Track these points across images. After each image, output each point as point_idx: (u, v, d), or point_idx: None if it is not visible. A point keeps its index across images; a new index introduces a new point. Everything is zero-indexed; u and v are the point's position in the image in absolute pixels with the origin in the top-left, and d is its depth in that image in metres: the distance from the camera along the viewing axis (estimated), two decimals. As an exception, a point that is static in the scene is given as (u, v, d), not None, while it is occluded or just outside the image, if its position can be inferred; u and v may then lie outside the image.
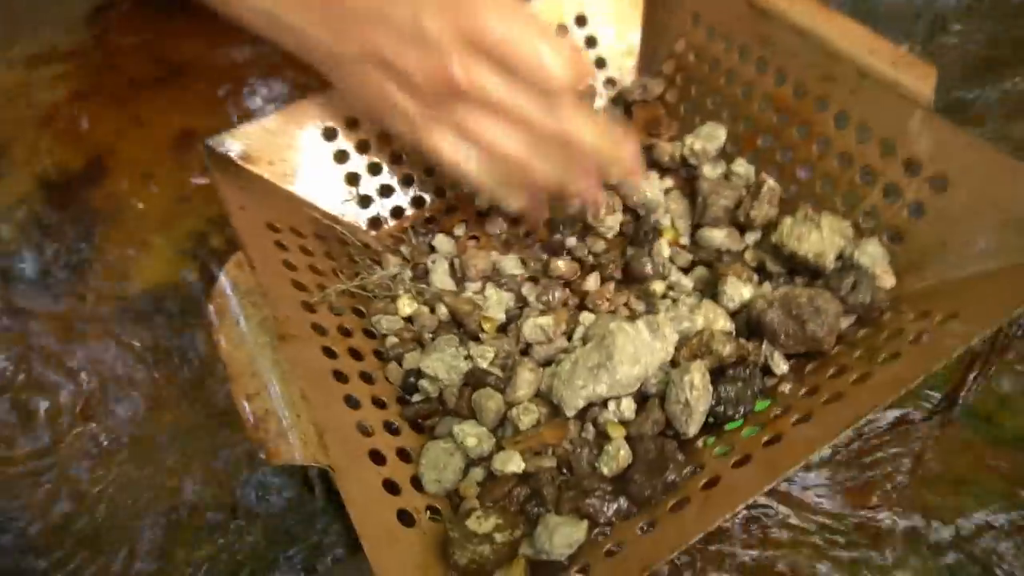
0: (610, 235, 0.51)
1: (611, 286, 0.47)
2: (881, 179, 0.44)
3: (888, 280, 0.42)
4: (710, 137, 0.52)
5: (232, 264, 0.41)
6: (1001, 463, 0.43)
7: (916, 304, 0.40)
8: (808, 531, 0.41)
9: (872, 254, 0.42)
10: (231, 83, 0.69)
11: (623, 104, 0.58)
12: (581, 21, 0.57)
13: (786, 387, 0.39)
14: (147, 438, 0.48)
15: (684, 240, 0.50)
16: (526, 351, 0.44)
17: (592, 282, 0.47)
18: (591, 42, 0.58)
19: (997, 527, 0.41)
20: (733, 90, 0.52)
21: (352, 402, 0.38)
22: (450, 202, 0.54)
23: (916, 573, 0.39)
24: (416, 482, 0.37)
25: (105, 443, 0.48)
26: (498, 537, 0.34)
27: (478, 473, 0.38)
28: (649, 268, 0.47)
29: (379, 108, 0.41)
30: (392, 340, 0.45)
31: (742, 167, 0.50)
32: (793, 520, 0.41)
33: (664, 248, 0.48)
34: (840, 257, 0.43)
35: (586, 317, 0.45)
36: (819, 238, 0.43)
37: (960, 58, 0.67)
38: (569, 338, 0.44)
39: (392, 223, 0.53)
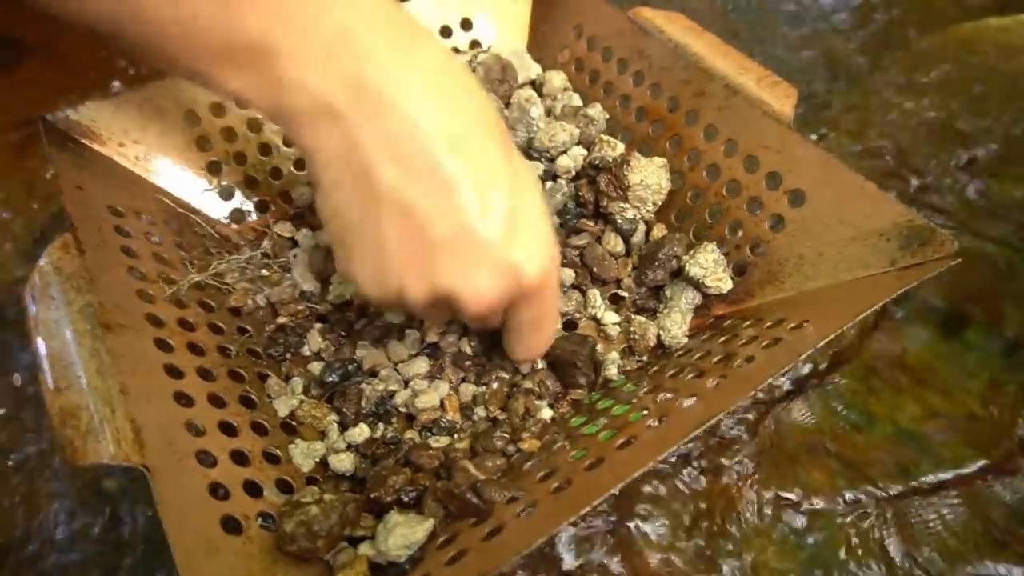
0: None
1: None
2: (745, 192, 0.45)
3: (725, 284, 0.43)
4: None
5: (56, 245, 0.37)
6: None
7: (774, 313, 0.40)
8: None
9: (703, 263, 0.43)
10: (87, 64, 0.64)
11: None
12: (466, 25, 0.57)
13: (642, 390, 0.38)
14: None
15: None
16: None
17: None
18: (475, 45, 0.57)
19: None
20: (611, 101, 0.53)
21: (184, 399, 0.35)
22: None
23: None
24: (252, 486, 0.34)
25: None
26: (328, 497, 0.32)
27: None
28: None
29: (358, 240, 0.32)
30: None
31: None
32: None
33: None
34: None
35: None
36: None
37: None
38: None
39: (256, 216, 0.50)
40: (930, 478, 0.44)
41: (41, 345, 0.34)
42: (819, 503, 0.43)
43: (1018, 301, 0.52)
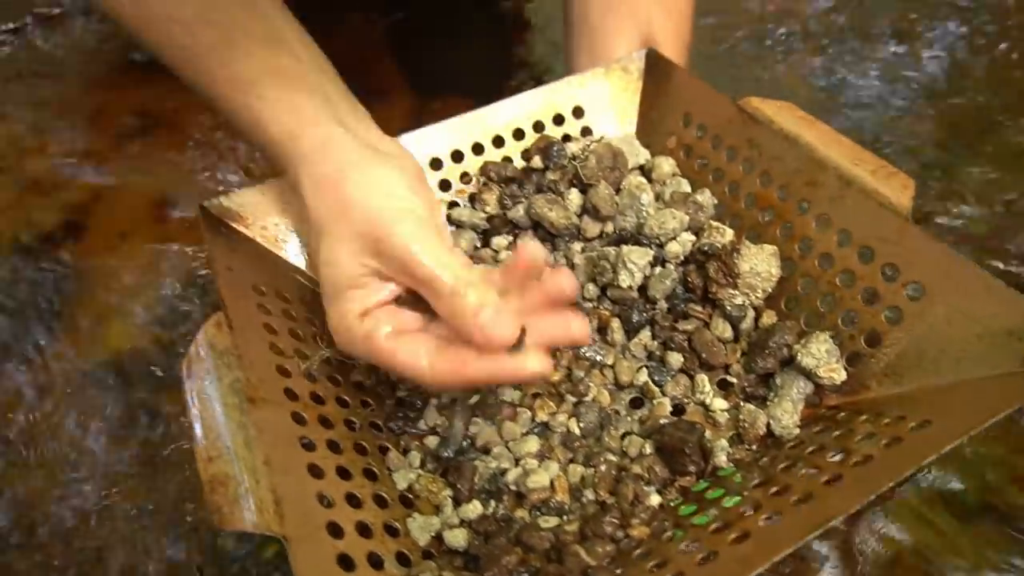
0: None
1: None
2: (860, 283, 0.44)
3: (839, 375, 0.42)
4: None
5: (211, 324, 0.41)
6: None
7: (892, 409, 0.39)
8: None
9: (815, 353, 0.43)
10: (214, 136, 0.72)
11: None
12: (578, 113, 0.60)
13: (752, 482, 0.38)
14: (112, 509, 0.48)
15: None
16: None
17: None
18: (586, 132, 0.60)
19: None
20: (720, 188, 0.54)
21: (316, 471, 0.37)
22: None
23: None
24: (374, 558, 0.36)
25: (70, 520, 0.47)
26: (446, 574, 0.33)
27: None
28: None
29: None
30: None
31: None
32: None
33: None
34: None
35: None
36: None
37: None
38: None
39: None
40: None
41: (196, 416, 0.37)
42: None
43: None
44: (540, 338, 0.37)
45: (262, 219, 0.50)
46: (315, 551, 0.33)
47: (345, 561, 0.34)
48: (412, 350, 0.38)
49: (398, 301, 0.41)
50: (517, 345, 0.36)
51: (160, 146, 0.74)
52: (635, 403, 0.47)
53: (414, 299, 0.40)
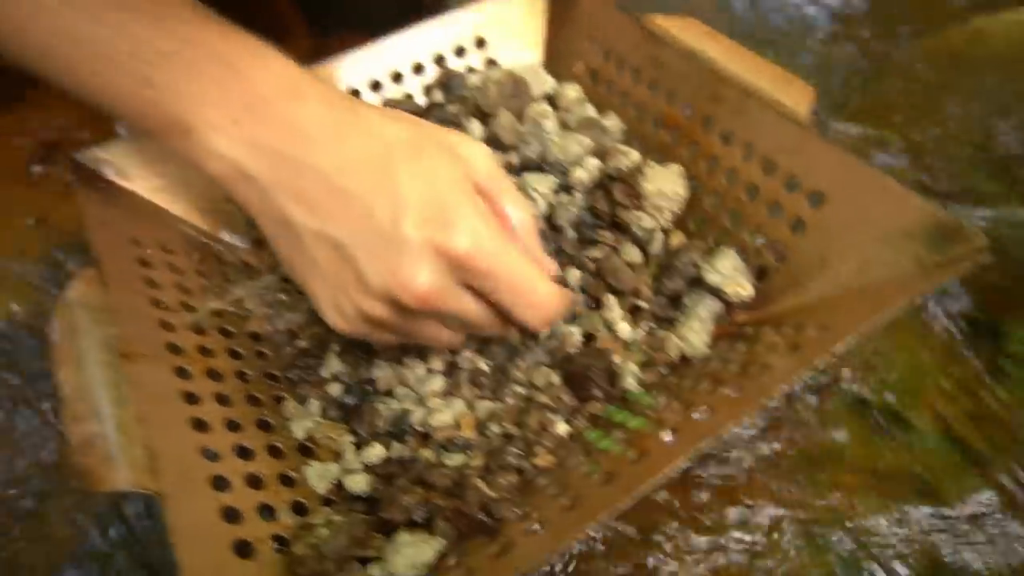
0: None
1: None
2: (764, 196, 0.43)
3: (745, 291, 0.42)
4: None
5: (81, 280, 0.39)
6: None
7: (796, 318, 0.39)
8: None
9: (721, 270, 0.42)
10: None
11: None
12: (481, 43, 0.57)
13: (660, 400, 0.37)
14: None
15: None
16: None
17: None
18: (491, 64, 0.58)
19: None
20: (627, 111, 0.52)
21: (200, 425, 0.35)
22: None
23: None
24: (266, 510, 0.34)
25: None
26: (337, 519, 0.32)
27: None
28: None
29: (309, 283, 0.35)
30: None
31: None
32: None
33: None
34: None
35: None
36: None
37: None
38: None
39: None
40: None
41: (63, 377, 0.35)
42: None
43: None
44: None
45: (143, 169, 0.47)
46: (194, 506, 0.31)
47: (231, 513, 0.33)
48: None
49: None
50: None
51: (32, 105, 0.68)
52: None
53: None
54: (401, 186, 0.31)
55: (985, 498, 0.42)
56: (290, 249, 0.34)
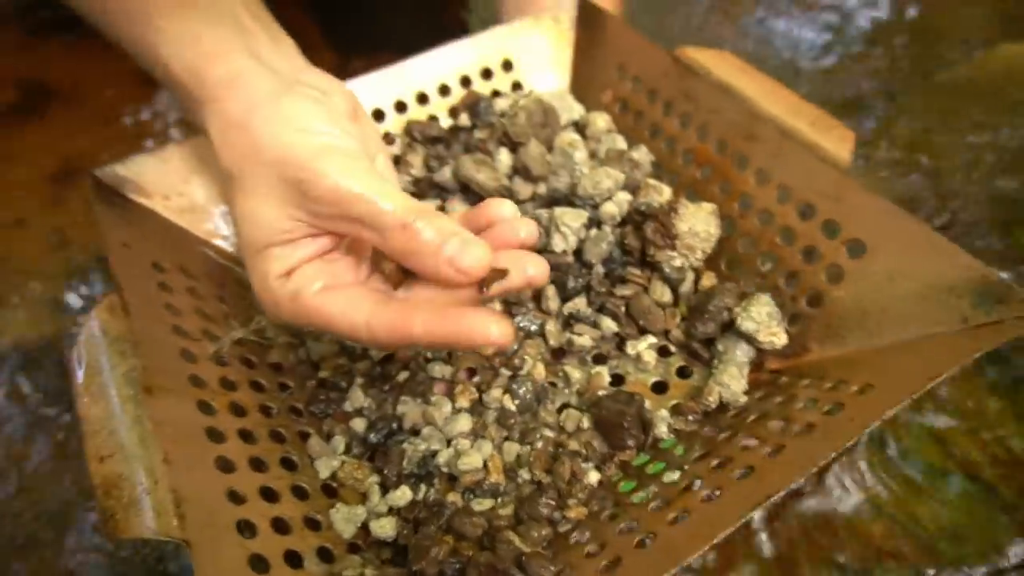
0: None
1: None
2: (800, 241, 0.43)
3: (780, 339, 0.41)
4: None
5: (102, 307, 0.38)
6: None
7: (834, 372, 0.38)
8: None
9: (756, 317, 0.41)
10: (119, 108, 0.65)
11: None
12: (508, 66, 0.56)
13: (694, 455, 0.36)
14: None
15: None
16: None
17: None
18: (517, 87, 0.57)
19: None
20: (657, 143, 0.51)
21: (225, 465, 0.34)
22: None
23: None
24: (293, 557, 0.33)
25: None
26: (369, 572, 0.31)
27: None
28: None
29: None
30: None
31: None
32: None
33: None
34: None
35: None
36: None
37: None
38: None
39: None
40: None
41: (85, 412, 0.34)
42: None
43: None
44: (496, 288, 0.32)
45: (165, 188, 0.46)
46: (222, 554, 0.30)
47: (258, 562, 0.31)
48: (347, 306, 0.32)
49: (328, 256, 0.34)
50: (487, 284, 0.31)
51: (55, 122, 0.66)
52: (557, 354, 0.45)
53: (351, 253, 0.35)
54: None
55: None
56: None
